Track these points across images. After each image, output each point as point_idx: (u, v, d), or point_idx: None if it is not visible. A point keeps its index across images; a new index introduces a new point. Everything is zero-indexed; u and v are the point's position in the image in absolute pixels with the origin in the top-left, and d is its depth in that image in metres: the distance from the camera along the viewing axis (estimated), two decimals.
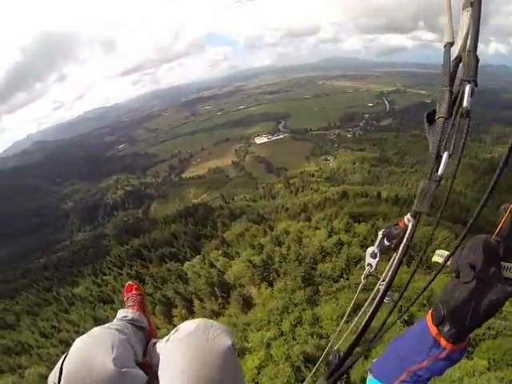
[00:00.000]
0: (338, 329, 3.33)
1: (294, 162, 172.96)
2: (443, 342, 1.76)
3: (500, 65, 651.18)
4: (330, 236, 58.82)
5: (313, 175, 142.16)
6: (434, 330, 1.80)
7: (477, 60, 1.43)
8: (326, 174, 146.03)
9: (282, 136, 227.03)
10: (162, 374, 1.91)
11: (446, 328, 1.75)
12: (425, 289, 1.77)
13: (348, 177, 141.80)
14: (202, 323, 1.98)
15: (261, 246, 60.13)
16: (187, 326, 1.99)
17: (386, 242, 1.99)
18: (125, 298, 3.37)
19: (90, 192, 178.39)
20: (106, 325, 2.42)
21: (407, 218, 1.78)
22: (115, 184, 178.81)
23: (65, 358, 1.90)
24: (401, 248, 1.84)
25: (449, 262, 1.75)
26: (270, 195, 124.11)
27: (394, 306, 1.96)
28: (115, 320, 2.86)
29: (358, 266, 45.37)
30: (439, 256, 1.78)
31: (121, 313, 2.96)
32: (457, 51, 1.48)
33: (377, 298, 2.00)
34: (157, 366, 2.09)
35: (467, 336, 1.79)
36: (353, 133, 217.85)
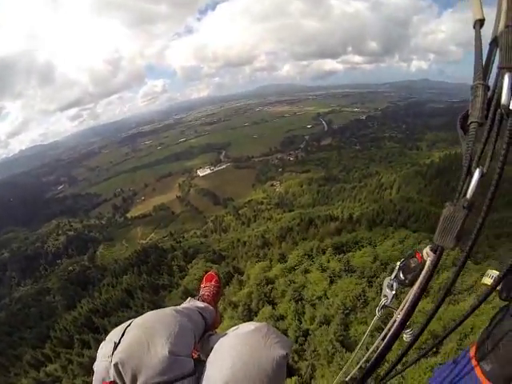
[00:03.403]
0: (349, 362, 3.26)
1: (240, 192, 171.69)
2: (486, 383, 1.57)
3: (422, 79, 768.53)
4: (331, 282, 48.93)
5: (261, 203, 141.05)
6: (476, 367, 1.63)
7: None
8: (274, 199, 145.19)
9: (224, 166, 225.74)
10: (210, 363, 1.91)
11: (489, 366, 1.55)
12: (462, 321, 1.51)
13: (298, 200, 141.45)
14: (263, 327, 1.96)
15: (247, 308, 48.18)
16: (248, 325, 1.99)
17: (401, 275, 1.81)
18: (202, 285, 3.47)
19: (29, 240, 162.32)
20: (180, 307, 2.57)
21: (426, 252, 1.52)
22: (56, 229, 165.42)
23: (130, 324, 2.04)
24: (416, 286, 1.62)
25: (499, 286, 1.49)
26: (221, 229, 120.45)
27: (413, 342, 1.77)
28: (186, 304, 2.95)
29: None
30: (490, 277, 1.57)
31: (192, 301, 3.04)
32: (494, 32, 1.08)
33: (389, 334, 1.86)
34: (206, 356, 2.11)
35: None
36: (295, 155, 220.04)
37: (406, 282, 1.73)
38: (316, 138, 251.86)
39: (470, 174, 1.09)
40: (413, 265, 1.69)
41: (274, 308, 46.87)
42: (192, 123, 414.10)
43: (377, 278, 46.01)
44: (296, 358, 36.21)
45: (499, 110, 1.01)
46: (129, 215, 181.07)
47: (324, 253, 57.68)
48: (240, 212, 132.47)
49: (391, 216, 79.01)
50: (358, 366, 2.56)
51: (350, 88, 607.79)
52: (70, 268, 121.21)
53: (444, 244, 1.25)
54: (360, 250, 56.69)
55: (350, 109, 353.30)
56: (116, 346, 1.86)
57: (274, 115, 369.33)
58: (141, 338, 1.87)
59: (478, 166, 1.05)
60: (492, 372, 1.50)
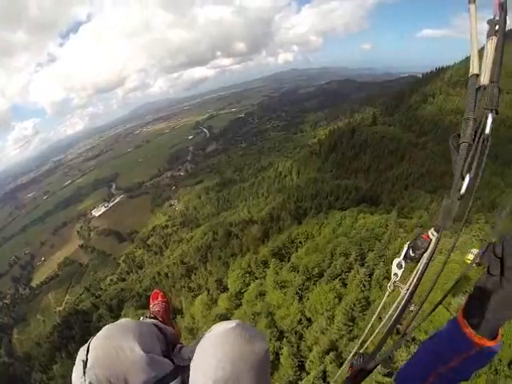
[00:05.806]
0: (365, 332, 3.35)
1: (141, 221, 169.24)
2: (474, 337, 1.81)
3: (290, 69, 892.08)
4: (300, 298, 43.71)
5: (166, 226, 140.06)
6: (464, 324, 1.88)
7: (499, 90, 1.54)
8: (178, 219, 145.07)
9: (118, 199, 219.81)
10: (195, 367, 1.85)
11: (476, 321, 1.83)
12: (445, 295, 1.94)
13: (201, 212, 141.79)
14: (239, 323, 1.89)
15: None
16: (222, 325, 1.93)
17: (411, 253, 2.07)
18: (151, 306, 3.54)
19: None
20: (135, 320, 2.48)
21: (431, 232, 1.91)
22: None
23: (91, 339, 1.97)
24: (425, 258, 1.97)
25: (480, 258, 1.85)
26: (136, 266, 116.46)
27: (417, 313, 2.08)
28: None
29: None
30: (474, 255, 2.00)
31: (144, 319, 3.08)
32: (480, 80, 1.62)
33: (400, 305, 2.15)
34: (185, 362, 2.16)
35: (497, 332, 1.85)
36: (185, 169, 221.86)
37: (416, 256, 2.02)
38: (200, 146, 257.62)
39: (462, 177, 1.64)
40: (421, 244, 1.99)
41: None
42: (74, 162, 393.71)
43: (345, 273, 43.19)
44: None
45: (483, 136, 1.60)
46: (34, 283, 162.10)
47: (266, 265, 53.52)
48: (148, 242, 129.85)
49: (311, 204, 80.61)
50: (372, 337, 2.99)
51: (224, 91, 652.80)
52: None
53: (445, 225, 1.72)
54: (300, 247, 54.52)
55: (227, 110, 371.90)
56: (85, 364, 1.83)
57: (154, 134, 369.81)
58: (106, 347, 1.85)
59: (467, 172, 1.60)
60: (480, 327, 1.79)
